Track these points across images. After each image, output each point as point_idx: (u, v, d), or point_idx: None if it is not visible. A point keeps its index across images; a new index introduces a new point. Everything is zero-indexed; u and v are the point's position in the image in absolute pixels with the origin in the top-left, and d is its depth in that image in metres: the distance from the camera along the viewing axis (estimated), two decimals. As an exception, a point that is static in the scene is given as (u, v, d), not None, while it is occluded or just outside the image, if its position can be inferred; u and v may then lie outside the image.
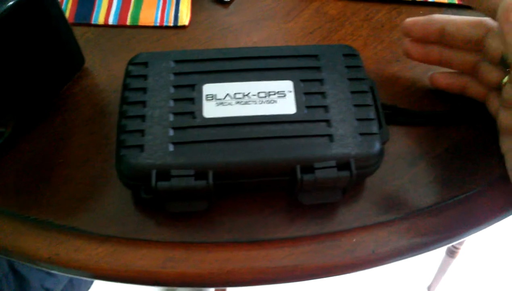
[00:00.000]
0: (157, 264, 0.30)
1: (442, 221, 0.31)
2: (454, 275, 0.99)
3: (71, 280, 0.71)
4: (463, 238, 0.31)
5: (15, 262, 0.60)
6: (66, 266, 0.30)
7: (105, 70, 0.38)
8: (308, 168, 0.29)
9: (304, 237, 0.31)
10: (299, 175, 0.29)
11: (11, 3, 0.29)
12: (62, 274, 0.31)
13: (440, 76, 0.36)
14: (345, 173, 0.29)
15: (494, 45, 0.31)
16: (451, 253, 0.88)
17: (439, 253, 0.93)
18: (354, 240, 0.31)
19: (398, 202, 0.32)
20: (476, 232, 0.31)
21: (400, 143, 0.35)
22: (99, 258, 0.30)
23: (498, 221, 0.32)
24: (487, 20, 0.32)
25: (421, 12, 0.41)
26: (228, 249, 0.30)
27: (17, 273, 0.63)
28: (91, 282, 0.77)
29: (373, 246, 0.30)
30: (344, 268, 0.30)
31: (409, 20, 0.35)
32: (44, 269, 0.31)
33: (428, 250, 0.31)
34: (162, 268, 0.30)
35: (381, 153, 0.31)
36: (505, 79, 0.31)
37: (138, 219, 0.32)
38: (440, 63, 0.35)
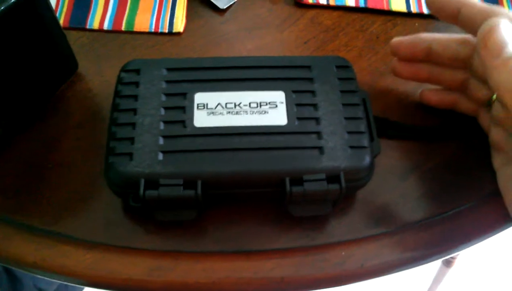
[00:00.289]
0: (145, 273, 0.30)
1: (432, 236, 0.31)
2: (450, 284, 0.98)
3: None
4: (453, 253, 0.31)
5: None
6: (52, 271, 0.30)
7: (98, 76, 0.38)
8: (298, 180, 0.29)
9: (293, 249, 0.31)
10: (288, 187, 0.29)
11: (3, 7, 0.29)
12: (49, 279, 0.31)
13: (430, 93, 0.36)
14: (334, 186, 0.29)
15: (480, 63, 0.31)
16: (447, 263, 0.87)
17: (435, 262, 0.93)
18: (343, 253, 0.30)
19: (388, 216, 0.32)
20: (466, 248, 0.31)
21: (392, 156, 0.34)
22: (86, 265, 0.30)
23: (489, 237, 0.31)
24: (473, 37, 0.31)
25: (416, 24, 0.41)
26: (216, 259, 0.30)
27: (10, 273, 0.63)
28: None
29: (362, 260, 0.30)
30: (332, 281, 0.30)
31: (396, 40, 0.34)
32: (30, 273, 0.31)
33: (418, 265, 0.31)
34: (149, 277, 0.30)
35: (371, 166, 0.30)
36: (494, 96, 0.31)
37: (127, 227, 0.32)
38: (429, 80, 0.35)
